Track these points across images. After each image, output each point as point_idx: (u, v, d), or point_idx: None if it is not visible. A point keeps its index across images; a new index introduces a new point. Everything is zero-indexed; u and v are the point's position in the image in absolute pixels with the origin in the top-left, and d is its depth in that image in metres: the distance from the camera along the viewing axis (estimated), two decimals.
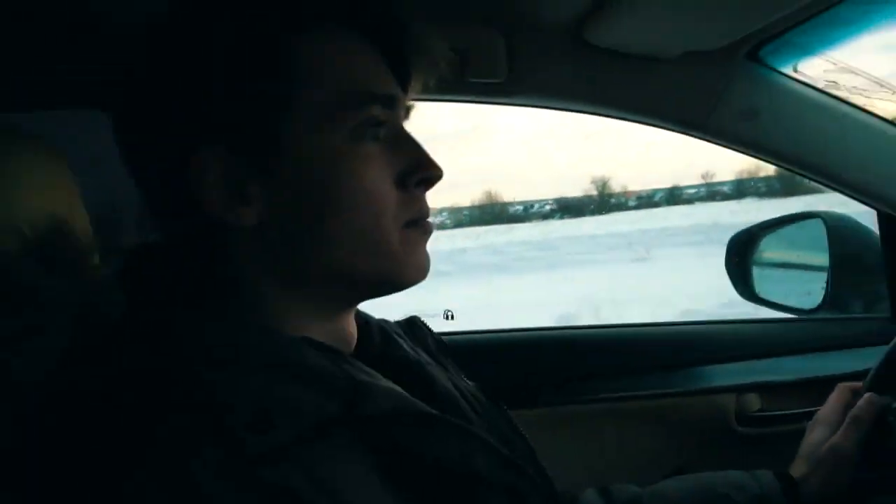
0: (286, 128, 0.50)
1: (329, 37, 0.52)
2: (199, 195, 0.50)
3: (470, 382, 0.67)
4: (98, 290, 0.53)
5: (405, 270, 0.54)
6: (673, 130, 1.09)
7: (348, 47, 0.53)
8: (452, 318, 1.43)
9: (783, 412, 1.17)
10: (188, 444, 0.41)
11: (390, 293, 0.56)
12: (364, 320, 0.63)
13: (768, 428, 1.16)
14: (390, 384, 0.52)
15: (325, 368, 0.48)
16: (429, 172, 0.55)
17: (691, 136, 1.09)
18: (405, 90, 0.57)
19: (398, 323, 0.69)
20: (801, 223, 1.41)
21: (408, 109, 0.58)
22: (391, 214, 0.53)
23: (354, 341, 0.59)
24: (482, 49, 0.99)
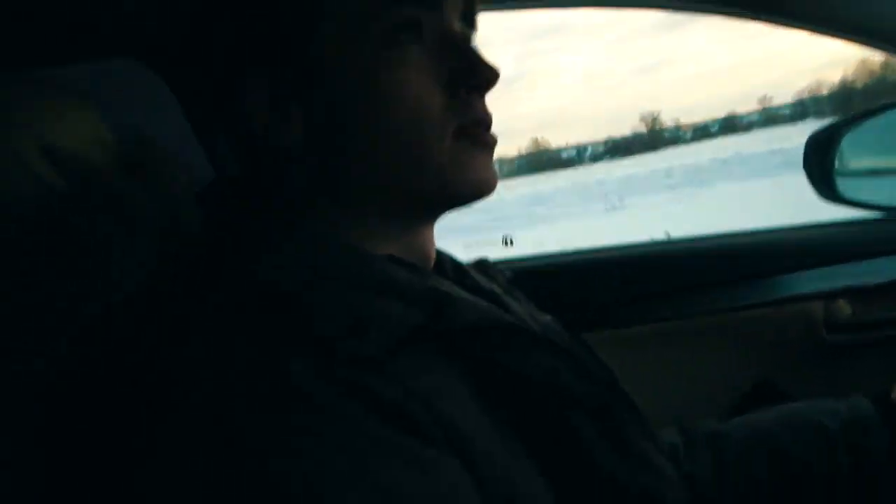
0: (318, 41, 0.49)
1: None
2: (248, 118, 0.50)
3: (547, 316, 0.65)
4: (180, 205, 0.55)
5: (457, 185, 0.51)
6: (741, 16, 0.99)
7: None
8: (512, 243, 1.38)
9: (877, 318, 1.09)
10: (282, 348, 0.40)
11: (451, 209, 0.53)
12: (437, 252, 0.61)
13: (861, 334, 1.09)
14: (474, 297, 0.52)
15: (410, 281, 0.48)
16: (480, 76, 0.51)
17: (763, 20, 0.98)
18: None
19: (468, 263, 0.68)
20: (889, 112, 1.28)
21: (470, 18, 0.54)
22: (436, 122, 0.49)
23: (433, 260, 0.57)
24: None
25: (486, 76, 0.51)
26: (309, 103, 0.50)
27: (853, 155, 1.40)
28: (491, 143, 0.53)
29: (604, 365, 0.62)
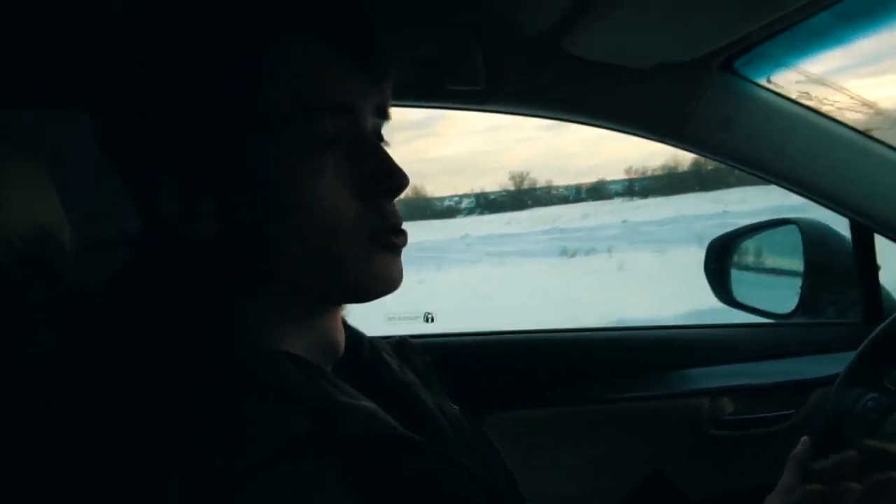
0: (236, 143, 0.49)
1: (285, 48, 0.50)
2: (159, 207, 0.50)
3: (455, 406, 0.67)
4: (85, 299, 0.53)
5: (367, 287, 0.53)
6: (649, 139, 1.11)
7: (305, 57, 0.50)
8: (433, 320, 1.44)
9: (755, 415, 1.19)
10: (158, 462, 0.41)
11: (356, 303, 0.55)
12: (356, 335, 0.63)
13: (741, 431, 1.18)
14: (367, 403, 0.52)
15: (299, 387, 0.48)
16: (392, 182, 0.53)
17: (668, 144, 1.11)
18: (378, 93, 0.54)
19: (388, 342, 0.69)
20: (777, 229, 1.43)
21: (382, 112, 0.55)
22: (349, 227, 0.51)
23: (341, 348, 0.58)
24: (461, 57, 1.00)
25: (398, 183, 0.53)
26: (222, 202, 0.50)
27: (747, 263, 1.55)
28: (401, 245, 0.54)
29: (501, 460, 0.65)
